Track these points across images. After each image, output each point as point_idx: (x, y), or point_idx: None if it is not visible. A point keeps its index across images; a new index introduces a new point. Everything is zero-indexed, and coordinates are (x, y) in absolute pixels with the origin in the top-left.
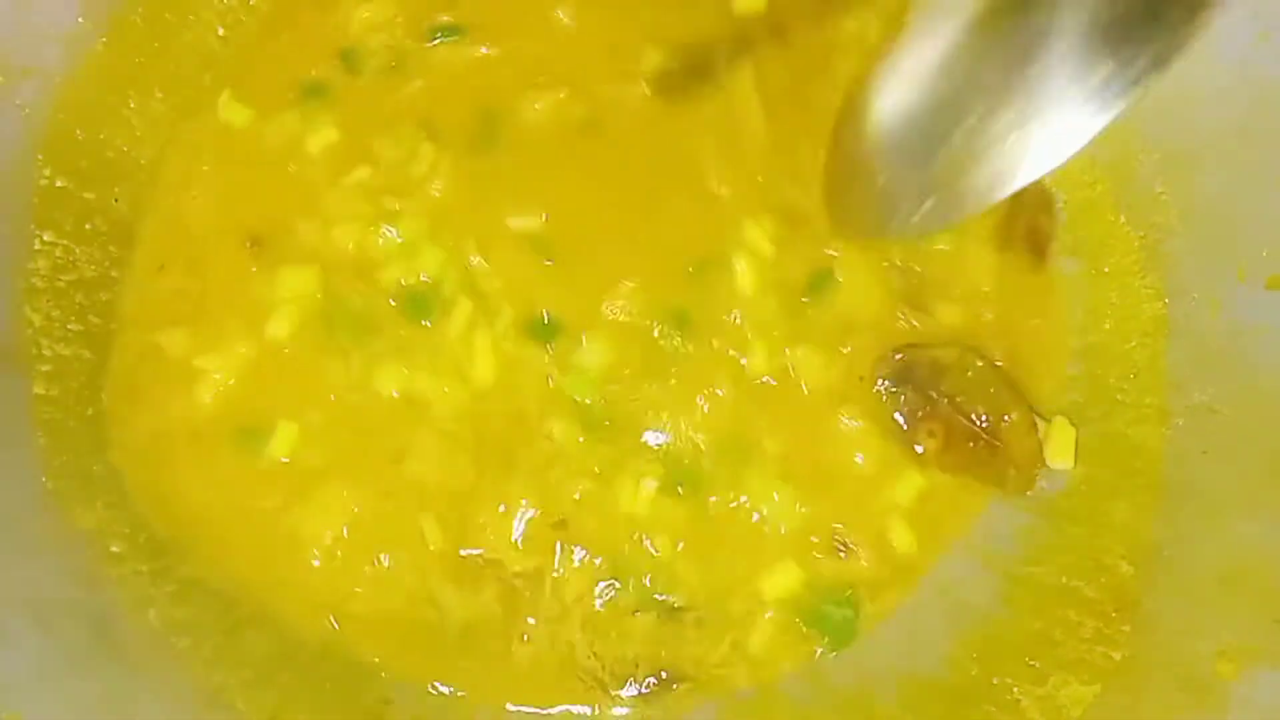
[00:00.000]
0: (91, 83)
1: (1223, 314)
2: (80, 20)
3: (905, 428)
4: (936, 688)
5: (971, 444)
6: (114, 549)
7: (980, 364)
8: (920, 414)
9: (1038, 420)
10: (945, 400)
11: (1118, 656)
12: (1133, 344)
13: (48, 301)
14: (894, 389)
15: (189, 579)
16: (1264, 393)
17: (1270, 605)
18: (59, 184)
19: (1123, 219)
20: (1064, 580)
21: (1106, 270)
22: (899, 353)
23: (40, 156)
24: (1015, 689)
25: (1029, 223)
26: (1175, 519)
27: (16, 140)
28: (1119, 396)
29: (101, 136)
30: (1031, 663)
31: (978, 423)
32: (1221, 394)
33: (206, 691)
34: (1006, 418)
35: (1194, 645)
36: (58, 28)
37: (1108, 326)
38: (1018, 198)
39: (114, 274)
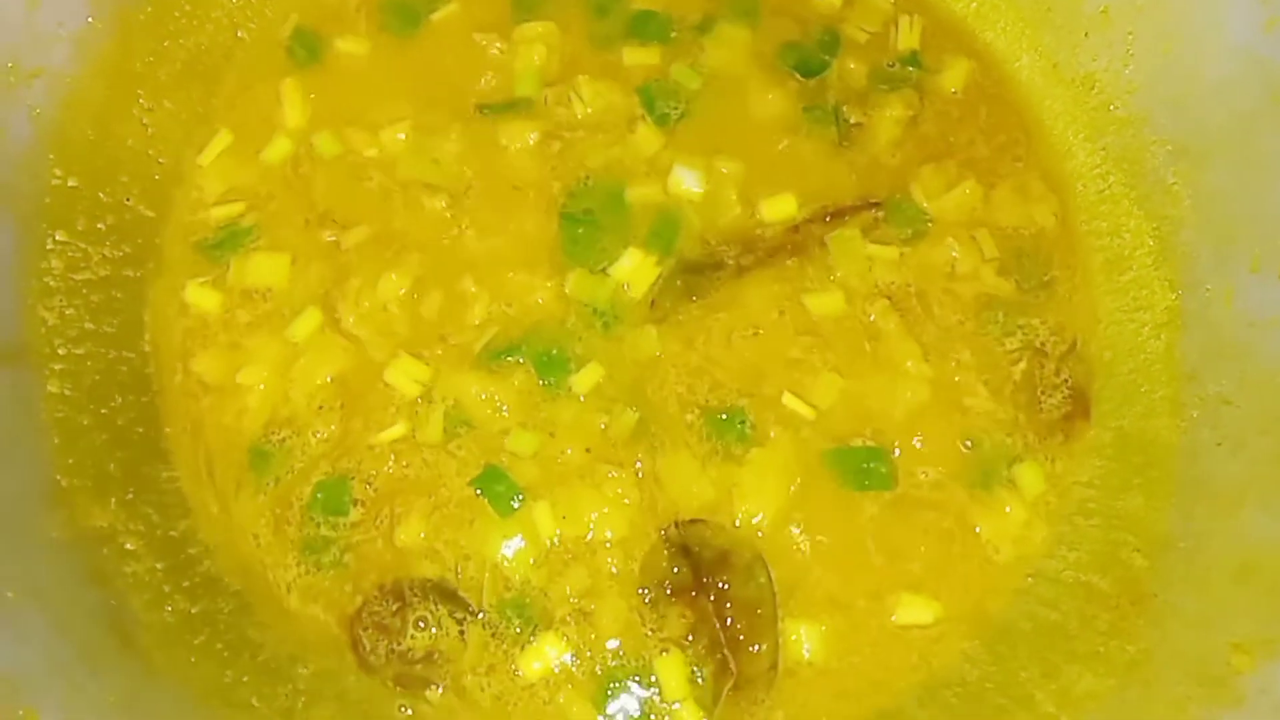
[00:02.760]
0: (102, 82)
1: (1236, 305)
2: (90, 20)
3: (656, 594)
4: (951, 682)
5: (709, 650)
6: (128, 546)
7: (764, 581)
8: (682, 593)
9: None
10: (712, 594)
11: (1132, 650)
12: (1146, 336)
13: (61, 301)
14: (674, 552)
15: (204, 575)
16: (1278, 384)
17: None
18: (71, 184)
19: (1135, 211)
20: (1078, 574)
21: (1119, 263)
22: (703, 527)
23: (52, 156)
24: (1030, 682)
25: (1065, 370)
26: (1190, 512)
27: (28, 140)
28: (1133, 389)
29: (113, 136)
30: (1046, 656)
31: (725, 635)
32: (1236, 385)
33: (221, 688)
34: (755, 647)
35: (1209, 638)
36: (67, 27)
37: (1121, 319)
38: (1039, 351)
39: (127, 273)
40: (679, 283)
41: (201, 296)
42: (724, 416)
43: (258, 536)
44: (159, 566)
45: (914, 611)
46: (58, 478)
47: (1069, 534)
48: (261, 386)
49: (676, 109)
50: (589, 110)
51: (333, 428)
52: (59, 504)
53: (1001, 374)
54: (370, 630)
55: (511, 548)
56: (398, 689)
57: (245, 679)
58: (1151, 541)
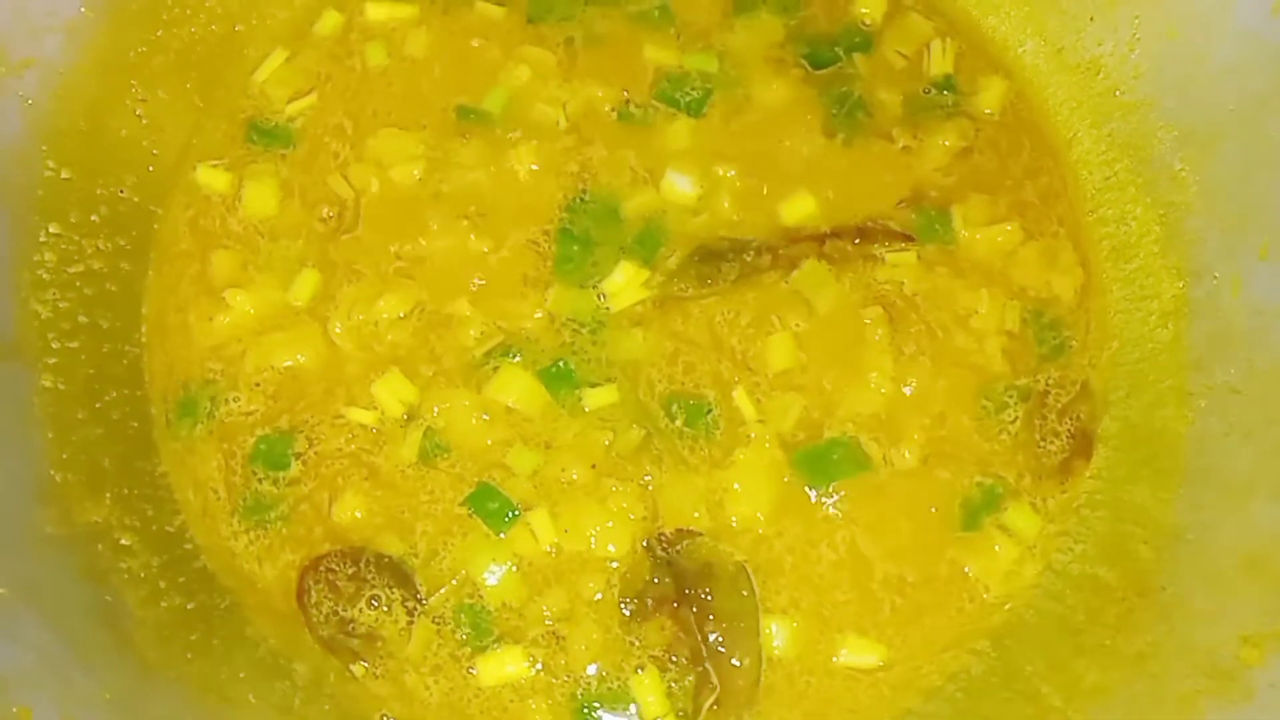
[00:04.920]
0: (95, 73)
1: (1244, 293)
2: (82, 10)
3: (637, 606)
4: (956, 675)
5: (690, 662)
6: (123, 542)
7: (746, 593)
8: (663, 604)
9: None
10: (694, 605)
11: (1140, 643)
12: (1153, 325)
13: (54, 294)
14: (656, 563)
15: (199, 571)
16: None
17: None
18: (64, 175)
19: (1141, 198)
20: (1085, 566)
21: (1125, 250)
22: (686, 538)
23: (44, 148)
24: (1036, 676)
25: (1069, 417)
26: (1198, 502)
27: (19, 132)
28: (1139, 379)
29: (106, 126)
30: (1053, 650)
31: (706, 648)
32: (1244, 374)
33: (217, 684)
34: (737, 660)
35: (1217, 631)
36: (59, 17)
37: (1127, 308)
38: (1042, 398)
39: (122, 265)
40: (692, 271)
41: (212, 177)
42: (692, 403)
43: (216, 491)
44: (154, 562)
45: (858, 655)
46: (51, 473)
47: (1075, 526)
48: (251, 310)
49: (696, 93)
50: (569, 124)
51: (254, 407)
52: (52, 499)
53: (993, 428)
54: (322, 585)
55: (497, 574)
56: (323, 649)
57: (241, 675)
58: (1159, 533)
